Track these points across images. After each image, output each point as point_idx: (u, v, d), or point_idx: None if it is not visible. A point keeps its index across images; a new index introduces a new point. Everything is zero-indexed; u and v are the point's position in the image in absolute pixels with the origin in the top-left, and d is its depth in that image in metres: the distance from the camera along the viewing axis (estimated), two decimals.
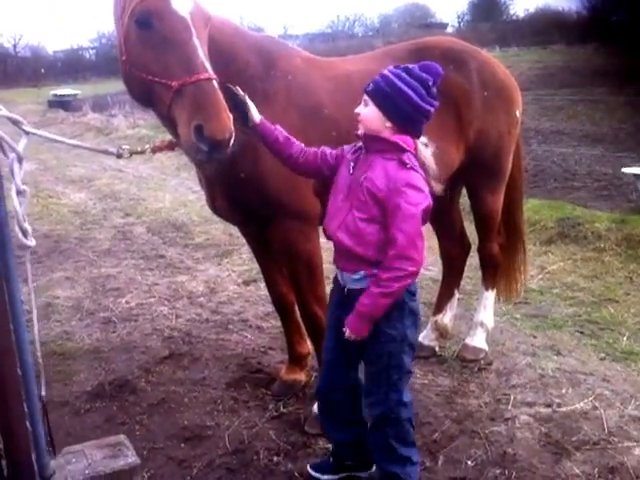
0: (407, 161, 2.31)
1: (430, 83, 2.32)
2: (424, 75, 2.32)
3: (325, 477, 2.77)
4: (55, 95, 27.32)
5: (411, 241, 2.25)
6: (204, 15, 2.51)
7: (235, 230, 4.92)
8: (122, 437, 2.67)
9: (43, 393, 2.30)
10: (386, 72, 2.35)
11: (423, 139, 2.43)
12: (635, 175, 7.58)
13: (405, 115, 2.32)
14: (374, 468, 2.74)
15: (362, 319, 2.35)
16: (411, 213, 2.25)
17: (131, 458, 2.50)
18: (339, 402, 2.65)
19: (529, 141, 11.56)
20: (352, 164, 2.45)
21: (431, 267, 5.76)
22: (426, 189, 2.32)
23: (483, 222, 3.87)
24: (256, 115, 2.60)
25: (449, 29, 53.94)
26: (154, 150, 2.68)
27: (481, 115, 3.51)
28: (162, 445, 3.12)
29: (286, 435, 3.16)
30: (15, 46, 58.11)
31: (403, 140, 2.34)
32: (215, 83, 2.35)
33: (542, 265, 5.78)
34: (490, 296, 4.03)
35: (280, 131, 2.61)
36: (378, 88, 2.32)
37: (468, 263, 4.25)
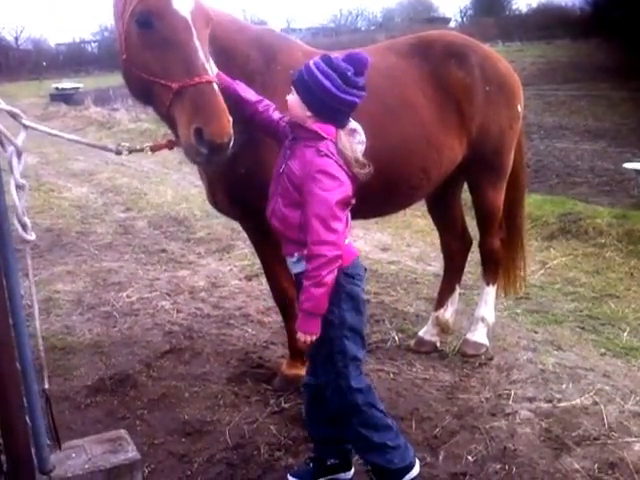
0: (323, 149, 2.34)
1: (349, 73, 2.33)
2: (343, 65, 2.34)
3: None
4: (57, 88, 27.27)
5: (327, 226, 2.28)
6: (205, 15, 2.50)
7: (237, 225, 4.91)
8: (122, 432, 2.68)
9: (46, 386, 2.30)
10: (310, 62, 2.38)
11: (353, 125, 2.43)
12: (637, 171, 7.57)
13: (322, 105, 2.34)
14: (353, 470, 2.76)
15: (307, 317, 2.35)
16: (323, 198, 2.28)
17: (131, 453, 2.51)
18: (325, 397, 2.62)
19: (531, 136, 11.53)
20: (288, 151, 2.49)
21: (432, 262, 5.76)
22: (341, 176, 2.33)
23: (484, 217, 3.86)
24: (213, 69, 2.60)
25: (452, 24, 53.80)
26: (153, 149, 2.69)
27: (483, 110, 3.49)
28: (163, 440, 3.12)
29: (287, 430, 3.16)
30: (17, 39, 58.08)
31: (322, 129, 2.37)
32: (215, 86, 2.35)
33: (543, 260, 5.77)
34: (491, 291, 4.02)
35: (240, 86, 2.70)
36: (300, 78, 2.37)
37: (469, 258, 4.24)
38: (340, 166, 2.34)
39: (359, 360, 2.53)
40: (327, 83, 2.31)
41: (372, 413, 2.50)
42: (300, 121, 2.40)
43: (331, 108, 2.35)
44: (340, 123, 2.40)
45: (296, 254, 2.48)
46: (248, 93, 2.73)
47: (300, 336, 2.38)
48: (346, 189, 2.34)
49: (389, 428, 2.54)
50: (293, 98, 2.40)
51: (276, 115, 2.66)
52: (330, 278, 2.31)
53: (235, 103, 2.67)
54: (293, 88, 2.39)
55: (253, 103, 2.70)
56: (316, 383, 2.63)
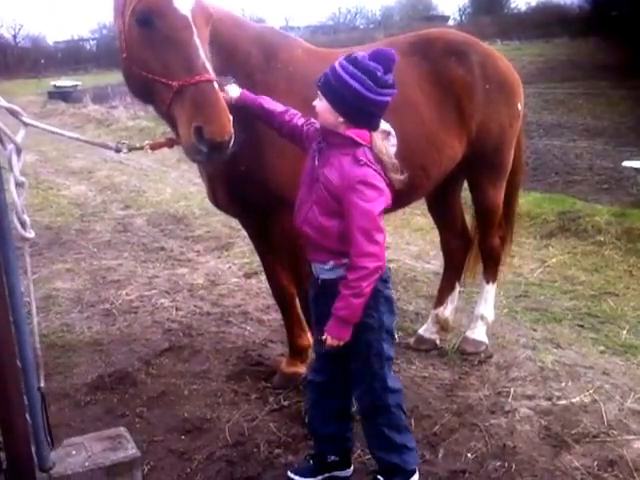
0: (361, 157, 2.28)
1: (379, 73, 2.23)
2: (372, 64, 2.23)
3: None
4: (55, 86, 27.19)
5: (369, 238, 2.25)
6: (206, 13, 2.50)
7: (236, 222, 4.92)
8: (122, 429, 2.68)
9: (42, 384, 2.30)
10: (335, 64, 2.29)
11: (386, 127, 2.37)
12: (636, 169, 7.58)
13: (354, 109, 2.26)
14: (352, 467, 2.77)
15: (340, 324, 2.35)
16: (366, 210, 2.25)
17: (131, 450, 2.51)
18: (330, 394, 2.64)
19: (530, 134, 11.53)
20: (316, 155, 2.43)
21: (432, 260, 5.76)
22: (382, 185, 2.30)
23: (484, 216, 3.86)
24: (234, 91, 2.62)
25: (450, 22, 53.74)
26: (153, 147, 2.68)
27: (483, 108, 3.49)
28: (162, 437, 3.11)
29: (286, 428, 3.16)
30: (15, 37, 57.92)
31: (358, 134, 2.31)
32: (216, 85, 2.35)
33: (542, 258, 5.78)
34: (491, 289, 4.03)
35: (265, 99, 2.66)
36: (326, 82, 2.29)
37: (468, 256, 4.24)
38: (380, 174, 2.30)
39: (392, 359, 2.57)
40: (357, 85, 2.21)
41: (399, 415, 2.53)
42: (332, 127, 2.32)
43: (364, 111, 2.26)
44: (374, 126, 2.33)
45: (331, 262, 2.42)
46: (273, 105, 2.66)
47: (329, 340, 2.37)
48: (386, 199, 2.32)
49: (408, 430, 2.60)
50: (322, 104, 2.31)
51: (300, 121, 2.60)
52: (369, 289, 2.30)
53: (262, 117, 2.66)
54: (320, 93, 2.31)
55: (279, 114, 2.64)
56: (323, 379, 2.63)
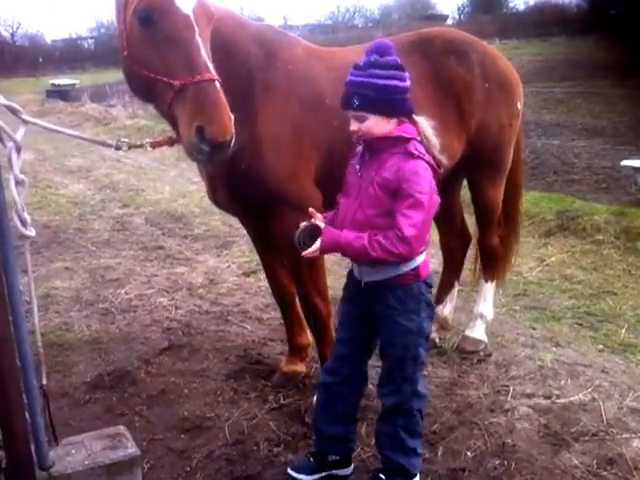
0: (413, 150, 2.33)
1: (398, 61, 2.37)
2: (389, 58, 2.35)
3: (306, 477, 2.73)
4: (53, 85, 27.12)
5: (414, 226, 2.26)
6: (207, 12, 2.49)
7: (235, 221, 4.91)
8: (122, 428, 2.68)
9: (44, 382, 2.30)
10: (361, 79, 2.33)
11: (421, 118, 2.44)
12: (634, 168, 7.57)
13: (400, 104, 2.36)
14: (352, 466, 2.78)
15: (334, 243, 2.34)
16: (419, 201, 2.27)
17: (131, 449, 2.51)
18: (342, 396, 2.64)
19: (529, 134, 11.52)
20: (358, 167, 2.47)
21: (432, 259, 5.76)
22: (433, 180, 2.34)
23: (483, 214, 3.86)
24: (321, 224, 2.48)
25: (449, 21, 53.68)
26: (153, 145, 2.68)
27: (482, 107, 3.49)
28: (162, 436, 3.11)
29: (286, 426, 3.16)
30: (13, 35, 57.75)
31: (404, 130, 2.37)
32: (217, 84, 2.34)
33: (541, 257, 5.79)
34: (490, 288, 4.03)
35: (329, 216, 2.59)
36: (367, 99, 2.31)
37: (468, 255, 4.25)
38: (432, 167, 2.35)
39: (425, 365, 2.59)
40: (391, 82, 2.31)
41: (417, 419, 2.54)
42: (385, 135, 2.36)
43: (405, 101, 2.36)
44: (411, 109, 2.41)
45: (378, 265, 2.39)
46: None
47: (318, 247, 2.36)
48: (437, 193, 2.35)
49: (421, 436, 2.61)
50: (371, 121, 2.33)
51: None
52: (375, 258, 2.28)
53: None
54: (363, 112, 2.33)
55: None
56: (335, 381, 2.62)
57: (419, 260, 2.42)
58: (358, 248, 2.30)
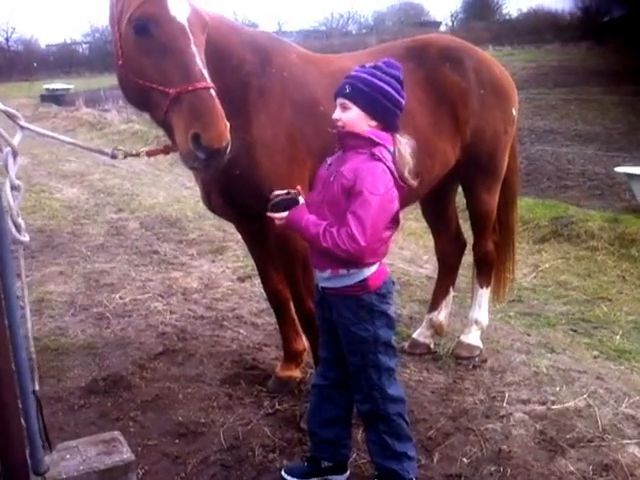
0: (377, 153, 2.36)
1: (401, 78, 2.44)
2: (394, 71, 2.43)
3: None
4: (48, 89, 27.13)
5: (361, 225, 2.27)
6: (202, 20, 2.50)
7: (229, 226, 4.91)
8: (116, 433, 2.67)
9: (37, 388, 2.28)
10: (358, 73, 2.41)
11: (402, 134, 2.47)
12: (628, 174, 7.61)
13: (386, 111, 2.40)
14: (348, 472, 2.77)
15: (297, 220, 2.38)
16: (369, 200, 2.29)
17: (125, 454, 2.50)
18: (332, 399, 2.65)
19: (523, 140, 11.59)
20: (329, 160, 2.52)
21: (425, 265, 5.78)
22: (390, 183, 2.35)
23: (478, 220, 3.88)
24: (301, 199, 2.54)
25: (442, 28, 54.05)
26: (149, 154, 2.69)
27: (477, 113, 3.51)
28: (156, 441, 3.09)
29: (281, 432, 3.15)
30: (8, 39, 57.63)
31: (376, 135, 2.40)
32: (213, 92, 2.36)
33: (536, 263, 5.81)
34: (485, 294, 4.04)
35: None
36: (357, 89, 2.37)
37: (463, 261, 4.26)
38: (392, 172, 2.37)
39: (393, 370, 2.58)
40: (389, 89, 2.37)
41: (400, 423, 2.54)
42: (361, 133, 2.39)
43: (393, 113, 2.41)
44: (397, 127, 2.45)
45: (329, 271, 2.44)
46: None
47: (280, 217, 2.42)
48: (392, 198, 2.36)
49: (410, 439, 2.61)
50: (352, 113, 2.38)
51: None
52: (324, 248, 2.32)
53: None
54: (349, 102, 2.37)
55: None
56: (325, 384, 2.65)
57: (367, 272, 2.42)
58: (313, 234, 2.35)
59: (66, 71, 45.26)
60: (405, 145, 2.43)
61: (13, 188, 2.11)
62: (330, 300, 2.51)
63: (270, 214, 2.48)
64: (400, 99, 2.41)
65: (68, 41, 60.47)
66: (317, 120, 2.99)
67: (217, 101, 2.35)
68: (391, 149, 2.40)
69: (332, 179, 2.42)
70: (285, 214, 2.43)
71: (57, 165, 11.98)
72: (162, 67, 2.38)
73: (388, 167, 2.36)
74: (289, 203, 2.47)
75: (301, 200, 2.48)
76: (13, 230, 2.12)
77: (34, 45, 58.96)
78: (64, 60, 51.29)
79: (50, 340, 4.23)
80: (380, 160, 2.35)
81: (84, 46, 58.20)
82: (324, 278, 2.49)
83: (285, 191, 2.50)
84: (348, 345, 2.51)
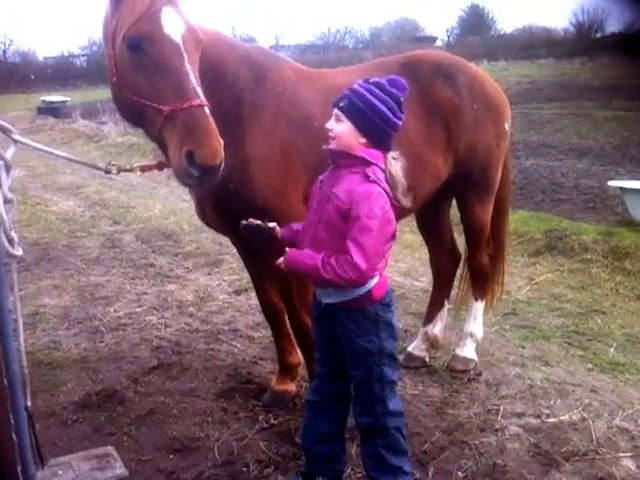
0: (370, 174, 2.35)
1: (401, 98, 2.40)
2: (394, 90, 2.39)
3: None
4: (44, 101, 27.15)
5: (362, 253, 2.27)
6: (196, 38, 2.52)
7: (225, 239, 4.90)
8: (110, 448, 2.66)
9: (29, 403, 2.27)
10: (357, 87, 2.39)
11: (393, 153, 2.46)
12: (621, 188, 7.66)
13: (378, 131, 2.38)
14: None
15: (295, 265, 2.40)
16: (368, 226, 2.29)
17: (119, 470, 2.49)
18: (327, 414, 2.65)
19: (517, 154, 11.66)
20: (321, 178, 2.51)
21: (420, 278, 5.78)
22: (387, 205, 2.35)
23: (473, 233, 3.89)
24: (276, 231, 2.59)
25: (438, 43, 54.53)
26: (143, 169, 2.70)
27: (470, 129, 3.53)
28: (150, 456, 3.07)
29: (277, 446, 3.13)
30: (5, 52, 57.79)
31: (369, 154, 2.39)
32: (207, 109, 2.37)
33: (530, 276, 5.82)
34: (479, 307, 4.04)
35: (296, 227, 2.64)
36: (352, 104, 2.36)
37: (457, 274, 4.27)
38: (387, 194, 2.36)
39: (395, 383, 2.58)
40: (384, 109, 2.34)
41: (397, 437, 2.53)
42: (349, 149, 2.38)
43: (385, 133, 2.39)
44: (388, 147, 2.43)
45: (332, 288, 2.42)
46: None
47: (285, 259, 2.42)
48: (390, 220, 2.36)
49: (406, 453, 2.60)
50: (343, 126, 2.37)
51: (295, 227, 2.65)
52: (327, 280, 2.33)
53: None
54: (343, 115, 2.37)
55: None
56: (319, 400, 2.64)
57: (372, 283, 2.43)
58: (311, 267, 2.34)
59: (63, 83, 45.32)
60: (396, 166, 2.42)
61: (6, 201, 2.12)
62: (333, 314, 2.49)
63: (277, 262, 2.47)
64: (395, 120, 2.38)
65: (65, 54, 60.73)
66: (312, 135, 3.00)
67: (211, 118, 2.36)
68: (383, 167, 2.40)
69: (327, 200, 2.41)
70: (282, 260, 2.43)
71: (53, 177, 11.99)
72: (156, 84, 2.40)
73: (383, 188, 2.35)
74: (262, 234, 2.51)
75: (279, 234, 2.51)
76: (6, 244, 2.12)
77: (31, 57, 59.11)
78: (61, 72, 51.40)
79: (43, 354, 4.22)
80: (375, 182, 2.34)
81: (81, 59, 58.42)
82: (328, 294, 2.47)
83: (259, 221, 2.53)
84: (353, 358, 2.50)
